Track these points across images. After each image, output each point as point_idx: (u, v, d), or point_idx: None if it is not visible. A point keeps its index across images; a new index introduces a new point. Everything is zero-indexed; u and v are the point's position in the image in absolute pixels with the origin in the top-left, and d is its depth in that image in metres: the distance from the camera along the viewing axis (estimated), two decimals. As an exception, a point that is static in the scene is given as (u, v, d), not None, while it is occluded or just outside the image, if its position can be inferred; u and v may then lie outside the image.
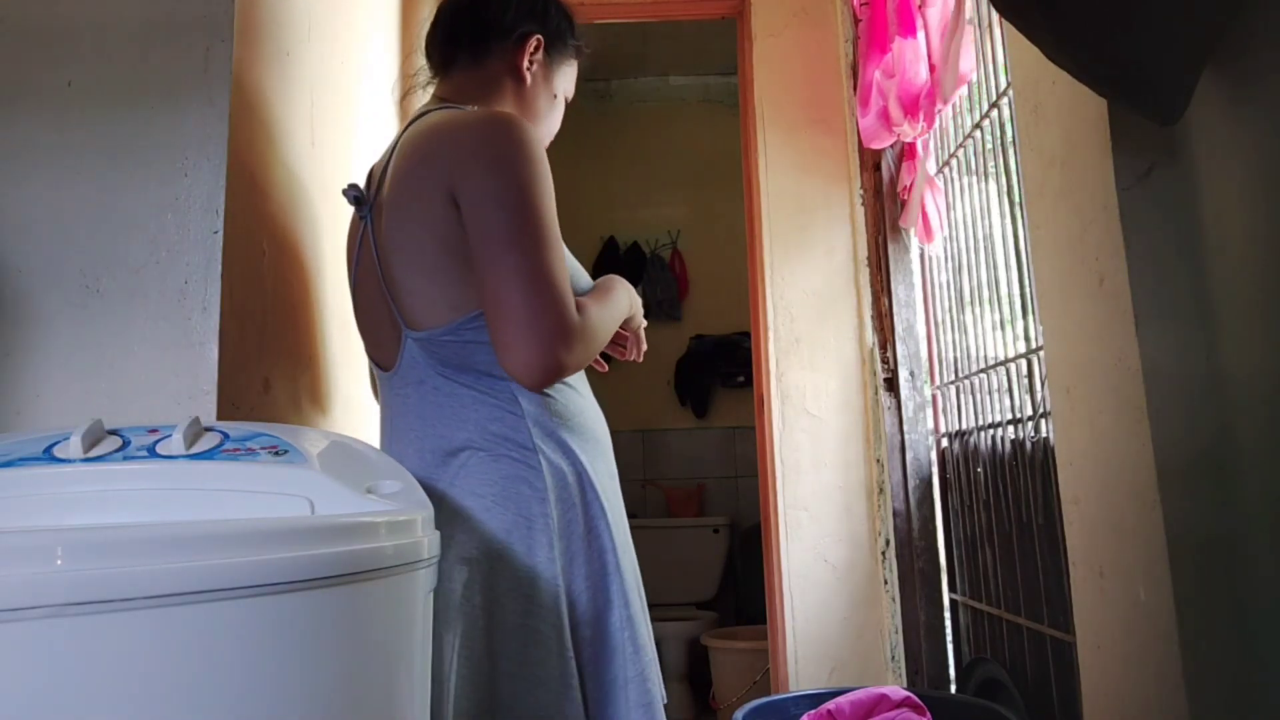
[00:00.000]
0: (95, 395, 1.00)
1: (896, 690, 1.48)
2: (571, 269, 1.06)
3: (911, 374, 2.12)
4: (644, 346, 1.28)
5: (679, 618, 3.34)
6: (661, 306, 3.92)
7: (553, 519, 0.99)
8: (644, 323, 1.26)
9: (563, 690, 0.95)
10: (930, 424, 2.12)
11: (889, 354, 2.15)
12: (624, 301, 1.16)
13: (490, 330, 0.96)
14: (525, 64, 1.17)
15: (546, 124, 1.23)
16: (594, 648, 1.01)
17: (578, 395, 1.09)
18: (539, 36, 1.17)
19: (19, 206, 1.04)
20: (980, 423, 1.80)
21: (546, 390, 1.03)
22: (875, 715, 1.45)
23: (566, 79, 1.24)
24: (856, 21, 2.22)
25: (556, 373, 0.96)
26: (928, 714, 1.44)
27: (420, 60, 1.24)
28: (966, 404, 1.89)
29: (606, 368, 1.26)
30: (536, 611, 0.96)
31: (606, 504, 1.05)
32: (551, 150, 1.11)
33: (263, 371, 1.14)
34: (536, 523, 0.98)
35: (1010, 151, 1.60)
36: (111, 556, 0.49)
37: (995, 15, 1.60)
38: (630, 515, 1.18)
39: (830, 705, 1.49)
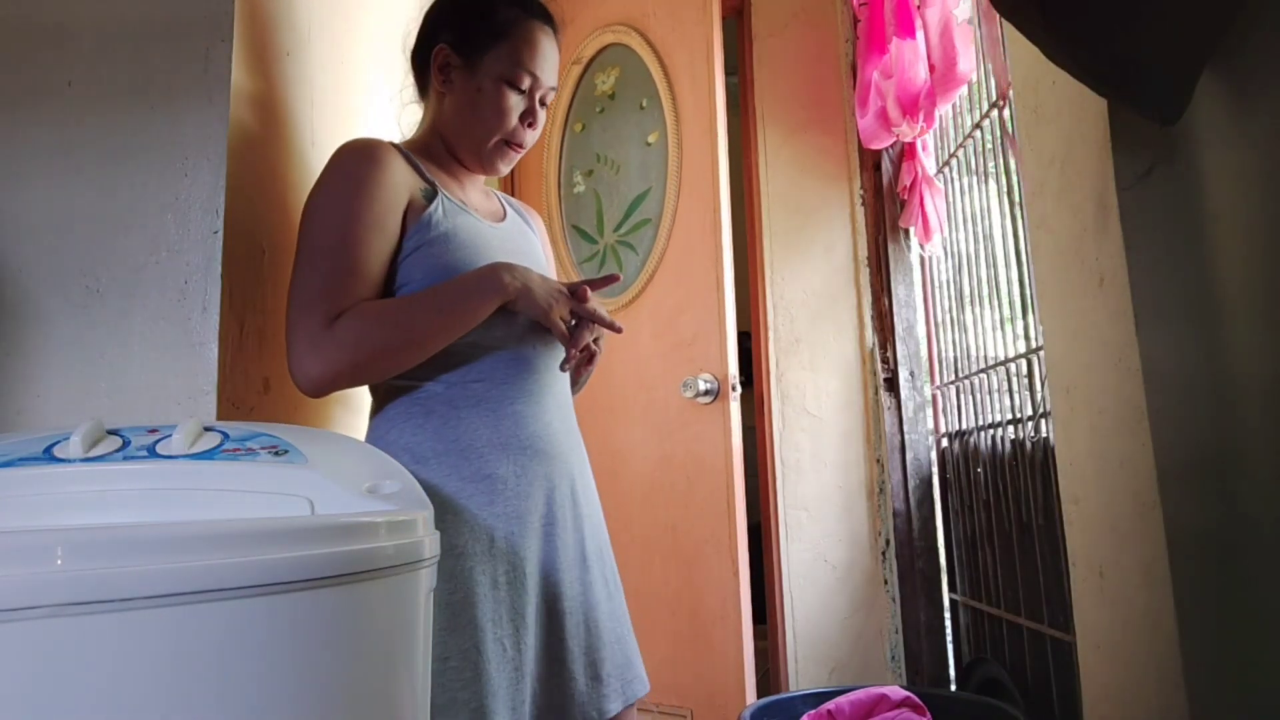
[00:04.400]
0: (95, 395, 1.00)
1: (896, 690, 1.48)
2: (419, 267, 1.07)
3: (911, 374, 2.13)
4: (572, 341, 1.14)
5: (679, 618, 3.33)
6: (661, 306, 3.91)
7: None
8: (553, 310, 1.11)
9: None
10: (930, 424, 2.12)
11: (889, 354, 2.15)
12: (445, 292, 1.06)
13: None
14: (439, 79, 1.22)
15: (484, 119, 1.20)
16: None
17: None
18: (442, 46, 1.21)
19: (19, 207, 1.04)
20: (980, 423, 1.80)
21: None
22: (875, 715, 1.45)
23: (497, 63, 1.19)
24: (856, 22, 2.22)
25: (307, 383, 1.01)
26: (928, 714, 1.44)
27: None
28: (966, 404, 1.89)
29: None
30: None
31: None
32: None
33: (263, 371, 1.14)
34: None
35: (1010, 151, 1.60)
36: (111, 556, 0.49)
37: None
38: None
39: (830, 705, 1.48)
